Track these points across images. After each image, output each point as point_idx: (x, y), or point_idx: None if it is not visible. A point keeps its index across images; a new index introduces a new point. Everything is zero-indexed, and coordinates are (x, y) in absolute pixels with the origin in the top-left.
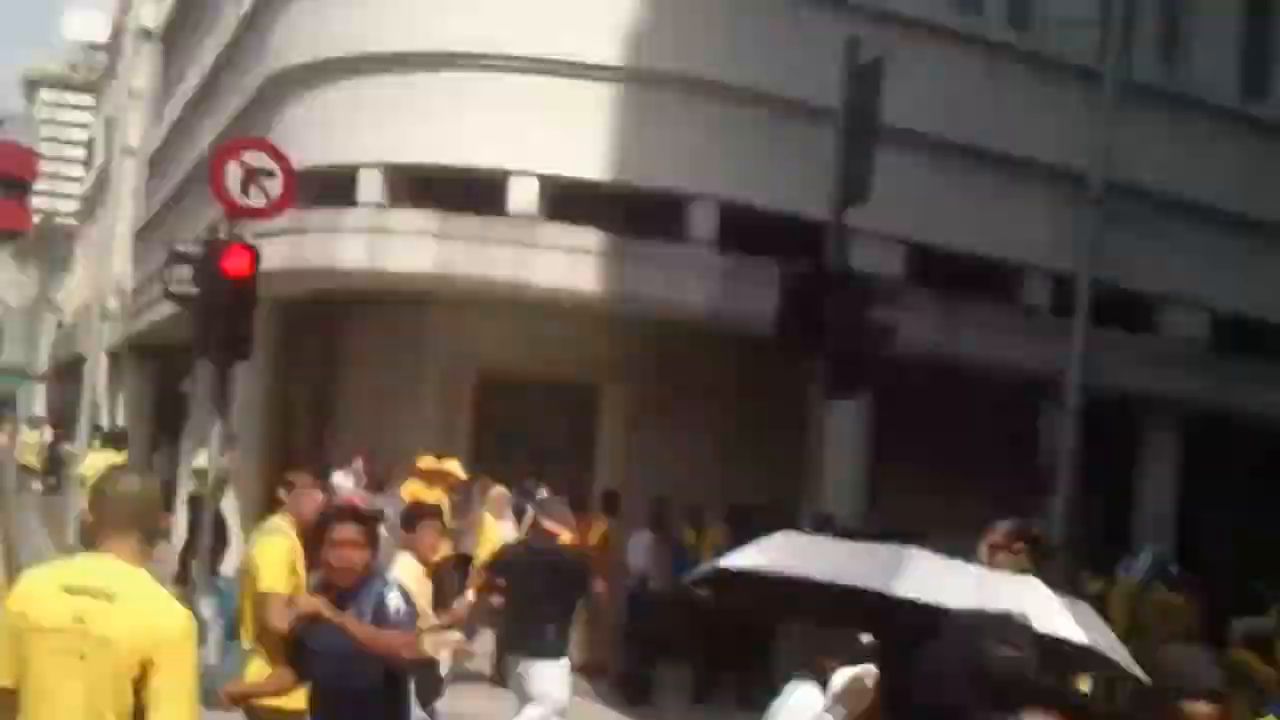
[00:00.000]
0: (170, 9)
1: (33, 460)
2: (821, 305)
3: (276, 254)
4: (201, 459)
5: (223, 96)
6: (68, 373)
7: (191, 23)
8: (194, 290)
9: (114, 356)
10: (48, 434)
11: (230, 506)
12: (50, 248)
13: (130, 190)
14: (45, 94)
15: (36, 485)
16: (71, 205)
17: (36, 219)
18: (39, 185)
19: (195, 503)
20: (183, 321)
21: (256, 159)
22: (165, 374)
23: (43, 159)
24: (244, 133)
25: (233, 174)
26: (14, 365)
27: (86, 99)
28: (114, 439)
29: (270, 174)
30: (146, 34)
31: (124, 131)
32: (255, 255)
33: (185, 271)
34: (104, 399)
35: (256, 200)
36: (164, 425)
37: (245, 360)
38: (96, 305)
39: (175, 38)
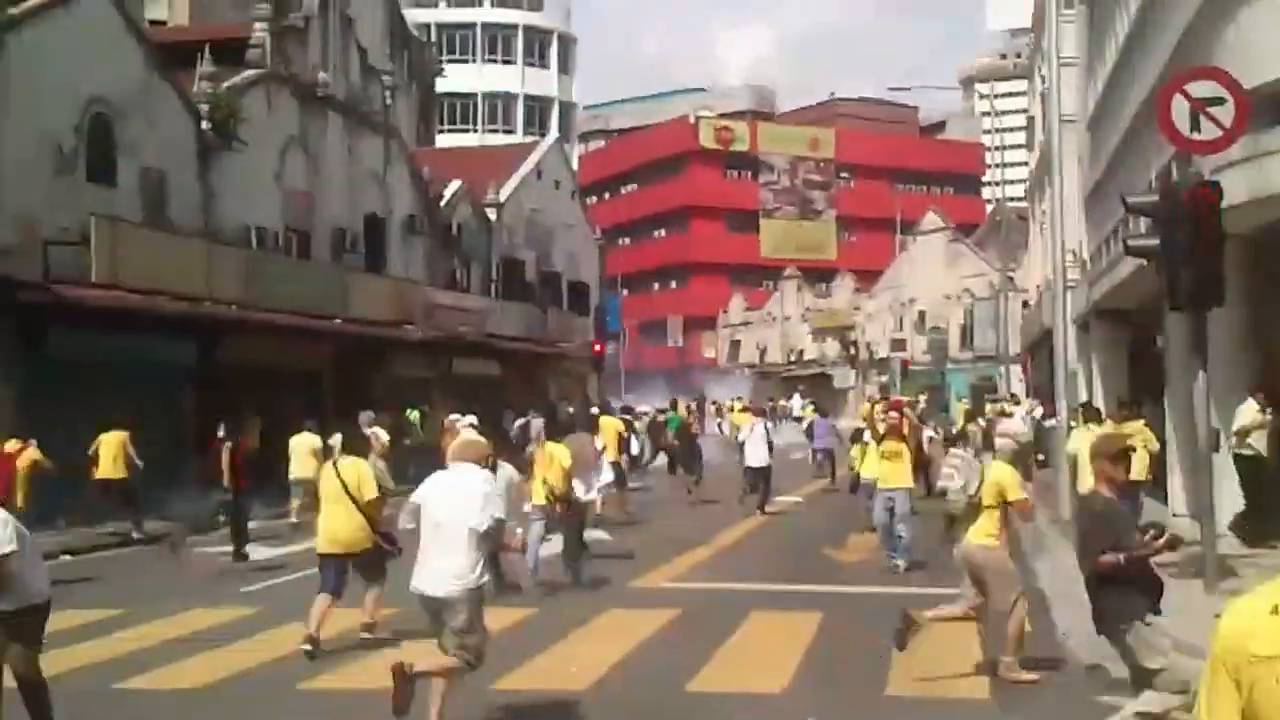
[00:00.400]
0: None
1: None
2: None
3: (1236, 185)
4: None
5: (1155, 36)
6: (1040, 349)
7: None
8: (1154, 241)
9: (1081, 326)
10: (1038, 410)
11: None
12: (1006, 233)
13: (1074, 159)
14: (981, 88)
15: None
16: (1018, 190)
17: (989, 209)
18: (987, 177)
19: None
20: (1146, 276)
21: (1203, 89)
22: (1135, 334)
23: (987, 151)
24: (1183, 67)
25: (1179, 110)
26: (987, 351)
27: (1019, 85)
28: (1094, 412)
29: (1219, 101)
30: (1066, 1)
31: (1059, 102)
32: (1217, 192)
33: (1143, 224)
34: (1079, 370)
35: (1208, 133)
36: (1141, 387)
37: (1219, 305)
38: (1057, 278)
39: None
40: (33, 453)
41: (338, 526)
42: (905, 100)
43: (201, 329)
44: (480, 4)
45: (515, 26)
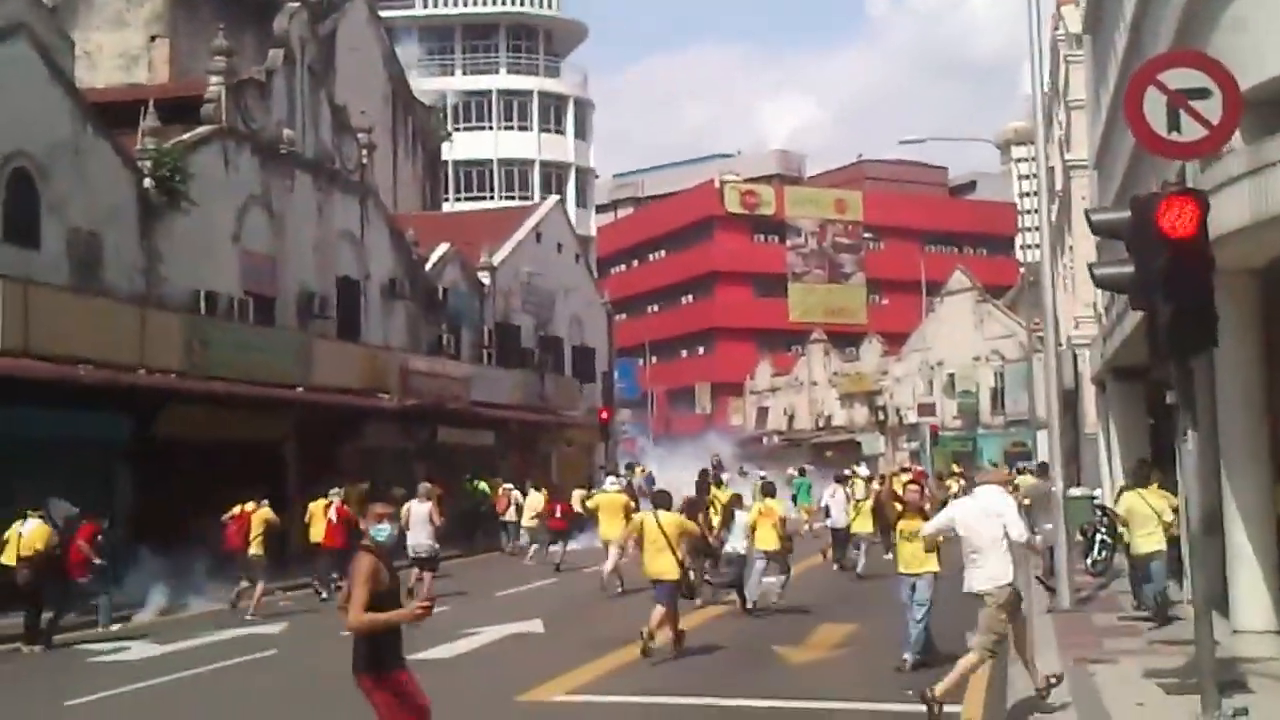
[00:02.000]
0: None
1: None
2: None
3: (1236, 205)
4: None
5: (1149, 41)
6: (1065, 412)
7: None
8: (1127, 269)
9: (1100, 385)
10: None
11: None
12: (1035, 294)
13: (1086, 205)
14: (1016, 150)
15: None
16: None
17: (1021, 270)
18: (1020, 239)
19: None
20: None
21: (1181, 78)
22: (1153, 392)
23: (1019, 212)
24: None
25: (1153, 103)
26: (1019, 415)
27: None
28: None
29: (1203, 94)
30: (1077, 40)
31: (1071, 147)
32: (1201, 204)
33: (1117, 250)
34: (1099, 432)
35: (1190, 132)
36: (1162, 448)
37: (1210, 347)
38: (1048, 332)
39: (1099, 20)
40: (265, 512)
41: (660, 563)
42: (934, 160)
43: (135, 401)
44: (496, 71)
45: (530, 92)
